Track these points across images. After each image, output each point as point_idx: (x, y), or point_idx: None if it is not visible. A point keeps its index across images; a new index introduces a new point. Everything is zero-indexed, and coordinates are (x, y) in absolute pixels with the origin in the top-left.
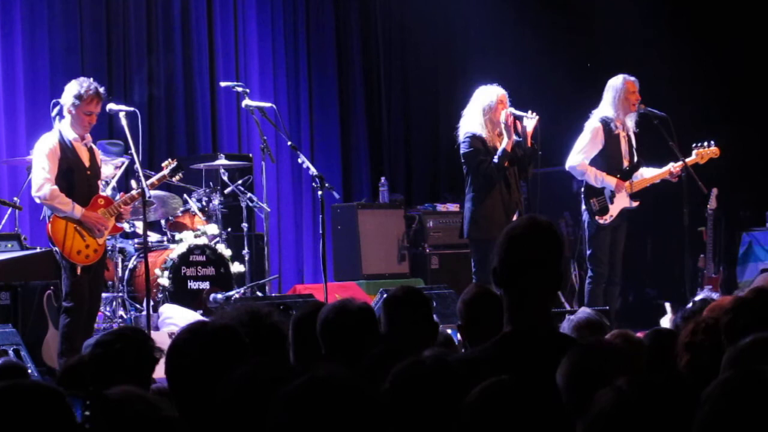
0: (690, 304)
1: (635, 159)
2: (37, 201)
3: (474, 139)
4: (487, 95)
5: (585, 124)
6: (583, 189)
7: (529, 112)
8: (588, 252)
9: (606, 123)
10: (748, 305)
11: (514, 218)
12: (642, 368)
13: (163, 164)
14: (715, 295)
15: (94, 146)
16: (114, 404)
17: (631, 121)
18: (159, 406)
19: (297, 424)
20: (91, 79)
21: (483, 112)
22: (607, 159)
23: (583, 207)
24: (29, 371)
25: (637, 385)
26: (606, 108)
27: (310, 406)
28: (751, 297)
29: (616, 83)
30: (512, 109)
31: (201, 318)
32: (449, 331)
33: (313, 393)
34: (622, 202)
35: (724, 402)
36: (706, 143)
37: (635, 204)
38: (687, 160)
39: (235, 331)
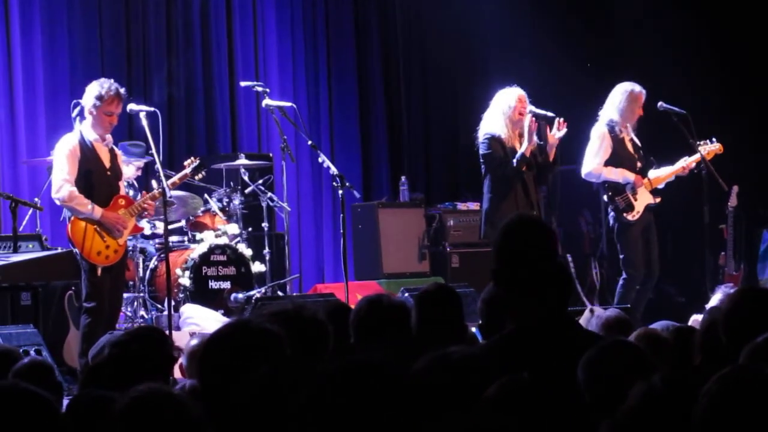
0: (717, 302)
1: (644, 159)
2: (57, 203)
3: (493, 140)
4: (507, 97)
5: (591, 130)
6: (604, 192)
7: (558, 121)
8: (621, 255)
9: (612, 127)
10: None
11: None
12: (667, 365)
13: (185, 163)
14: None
15: (115, 147)
16: (142, 401)
17: (631, 128)
18: (186, 403)
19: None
20: (112, 80)
21: (503, 113)
22: (619, 161)
23: (610, 209)
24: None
25: (670, 380)
26: (611, 111)
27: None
28: (743, 295)
29: (626, 89)
30: (533, 108)
31: (242, 317)
32: (473, 329)
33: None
34: (644, 198)
35: (721, 398)
36: (708, 141)
37: (657, 200)
38: (693, 158)
39: (279, 339)
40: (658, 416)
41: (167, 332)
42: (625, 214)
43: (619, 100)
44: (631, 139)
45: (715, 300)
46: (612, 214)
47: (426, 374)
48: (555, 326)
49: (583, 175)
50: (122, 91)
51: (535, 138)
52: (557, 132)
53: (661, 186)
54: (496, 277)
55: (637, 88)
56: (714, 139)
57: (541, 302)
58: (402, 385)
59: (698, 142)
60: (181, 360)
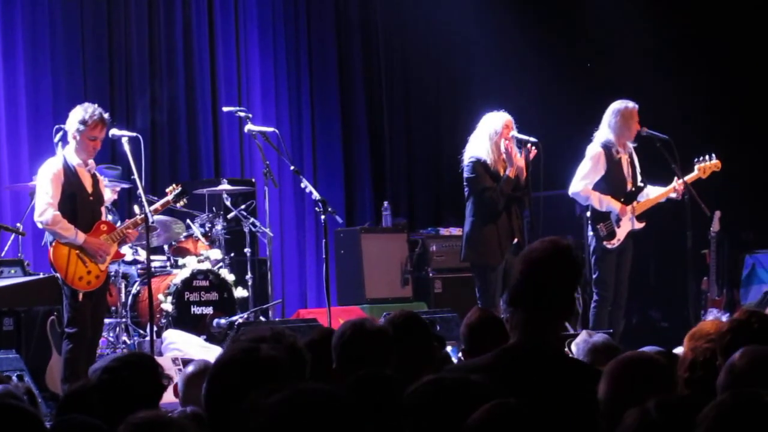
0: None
1: (638, 181)
2: (40, 226)
3: (477, 164)
4: (494, 121)
5: (586, 150)
6: (589, 214)
7: (524, 147)
8: (594, 276)
9: (608, 147)
10: (744, 327)
11: (514, 242)
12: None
13: (167, 189)
14: (724, 317)
15: (97, 173)
16: (143, 428)
17: (630, 144)
18: (188, 429)
19: None
20: (96, 105)
21: (489, 137)
22: (611, 183)
23: (590, 232)
24: (25, 398)
25: (665, 407)
26: (607, 132)
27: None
28: (744, 318)
29: (618, 108)
30: (516, 133)
31: (249, 343)
32: (449, 348)
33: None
34: (627, 224)
35: (719, 424)
36: (707, 156)
37: (641, 225)
38: (689, 176)
39: (285, 366)
40: None
41: None
42: (605, 242)
43: (613, 120)
44: (629, 160)
45: None
46: (592, 234)
47: (419, 398)
48: (552, 349)
49: (570, 193)
50: (106, 116)
51: (518, 160)
52: (520, 160)
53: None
54: (513, 296)
55: (630, 104)
56: (713, 155)
57: (551, 326)
58: (350, 411)
59: (696, 159)
60: (177, 383)
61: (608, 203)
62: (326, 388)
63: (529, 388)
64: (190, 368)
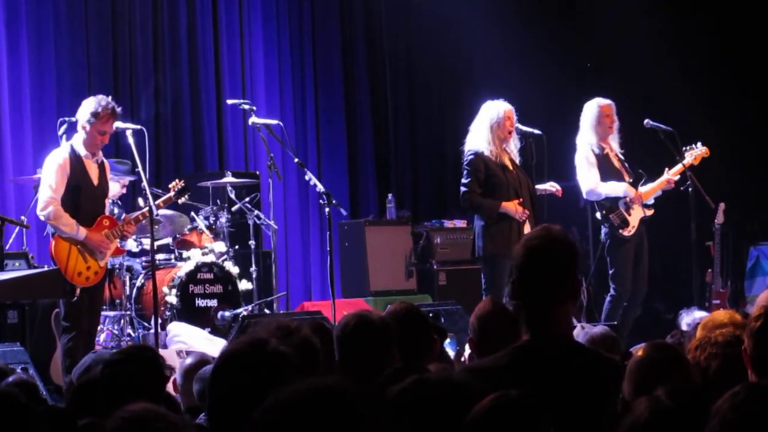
0: (686, 326)
1: (632, 172)
2: (42, 218)
3: (476, 158)
4: (494, 111)
5: (575, 157)
6: (598, 215)
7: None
8: (611, 271)
9: (591, 146)
10: None
11: (526, 230)
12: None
13: (170, 186)
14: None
15: (105, 161)
16: (133, 423)
17: (614, 142)
18: (178, 424)
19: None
20: (110, 98)
21: (490, 128)
22: (607, 177)
23: (603, 225)
24: (43, 389)
25: (676, 395)
26: (587, 135)
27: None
28: None
29: (590, 109)
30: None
31: (258, 336)
32: (447, 341)
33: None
34: (638, 212)
35: (733, 415)
36: (694, 145)
37: (650, 212)
38: (675, 169)
39: (293, 361)
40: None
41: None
42: (621, 231)
43: (588, 121)
44: (616, 154)
45: (685, 324)
46: (605, 230)
47: (405, 397)
48: (565, 340)
49: (584, 195)
50: (118, 110)
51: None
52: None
53: (650, 201)
54: (517, 290)
55: (602, 101)
56: (699, 144)
57: (558, 316)
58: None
59: (684, 148)
60: (176, 377)
61: (624, 188)
62: (341, 382)
63: (547, 385)
64: (188, 361)
